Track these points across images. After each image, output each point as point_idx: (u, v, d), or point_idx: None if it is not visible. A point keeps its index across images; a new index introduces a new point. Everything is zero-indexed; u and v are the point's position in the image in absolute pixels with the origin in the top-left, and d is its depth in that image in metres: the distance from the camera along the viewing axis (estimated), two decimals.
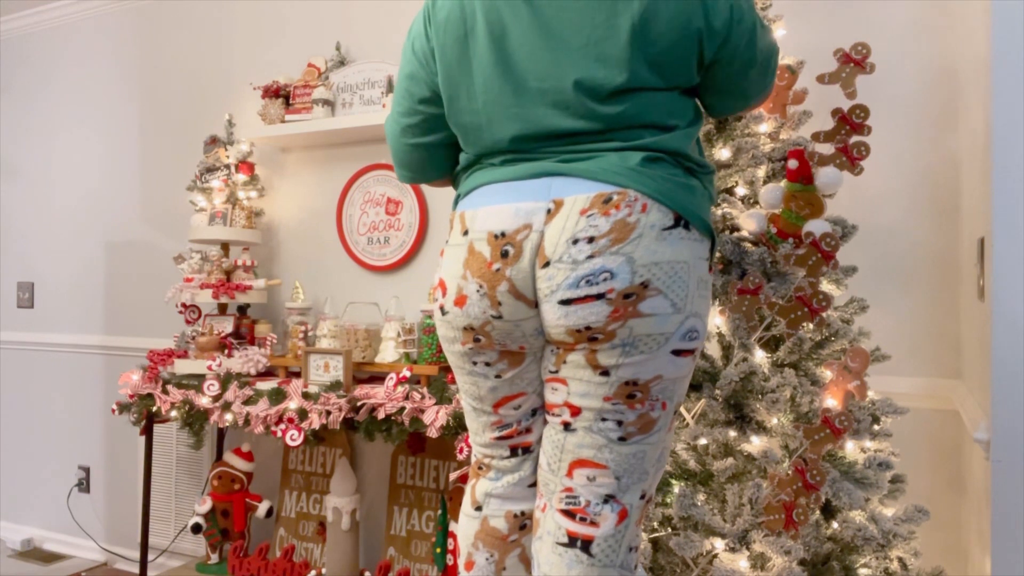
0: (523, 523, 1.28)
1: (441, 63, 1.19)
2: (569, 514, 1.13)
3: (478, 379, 1.23)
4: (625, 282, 1.02)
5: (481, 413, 1.26)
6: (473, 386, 1.24)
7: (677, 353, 1.08)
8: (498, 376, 1.21)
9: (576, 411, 1.12)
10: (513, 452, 1.27)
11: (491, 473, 1.31)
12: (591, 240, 1.03)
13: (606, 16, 1.06)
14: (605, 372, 1.08)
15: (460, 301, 1.15)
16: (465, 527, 1.31)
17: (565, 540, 1.13)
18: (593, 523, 1.12)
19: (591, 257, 1.03)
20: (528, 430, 1.26)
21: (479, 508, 1.30)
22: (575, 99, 1.08)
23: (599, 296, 1.03)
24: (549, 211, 1.07)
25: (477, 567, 1.28)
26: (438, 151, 1.30)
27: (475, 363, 1.21)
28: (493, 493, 1.28)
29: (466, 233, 1.14)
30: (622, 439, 1.10)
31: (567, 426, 1.14)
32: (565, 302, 1.05)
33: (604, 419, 1.10)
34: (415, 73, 1.25)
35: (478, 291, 1.12)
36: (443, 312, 1.19)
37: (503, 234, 1.09)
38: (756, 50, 1.16)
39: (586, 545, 1.11)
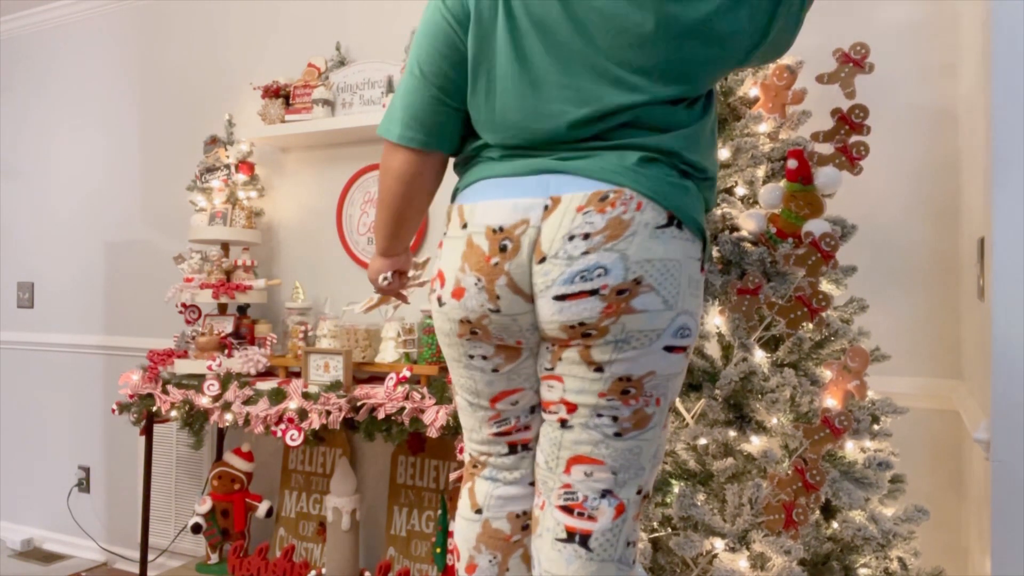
0: (525, 523, 1.28)
1: (474, 37, 1.14)
2: (567, 510, 1.14)
3: (474, 373, 1.23)
4: (619, 278, 1.04)
5: (478, 408, 1.27)
6: (469, 380, 1.25)
7: (669, 349, 1.09)
8: (495, 370, 1.21)
9: (572, 408, 1.13)
10: (512, 449, 1.28)
11: (487, 471, 1.31)
12: (587, 236, 1.04)
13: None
14: (599, 368, 1.09)
15: (458, 293, 1.15)
16: (464, 530, 1.31)
17: (564, 535, 1.14)
18: (591, 517, 1.13)
19: (586, 253, 1.04)
20: (527, 427, 1.27)
21: (479, 511, 1.30)
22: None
23: (593, 292, 1.04)
24: (547, 207, 1.08)
25: (480, 570, 1.28)
26: (458, 119, 1.22)
27: (471, 356, 1.21)
28: (494, 495, 1.29)
29: (465, 226, 1.15)
30: (618, 435, 1.12)
31: (564, 423, 1.15)
32: (560, 297, 1.07)
33: (600, 415, 1.11)
34: (447, 34, 1.17)
35: (476, 284, 1.13)
36: (440, 303, 1.19)
37: (501, 228, 1.10)
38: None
39: (584, 539, 1.13)
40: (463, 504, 1.33)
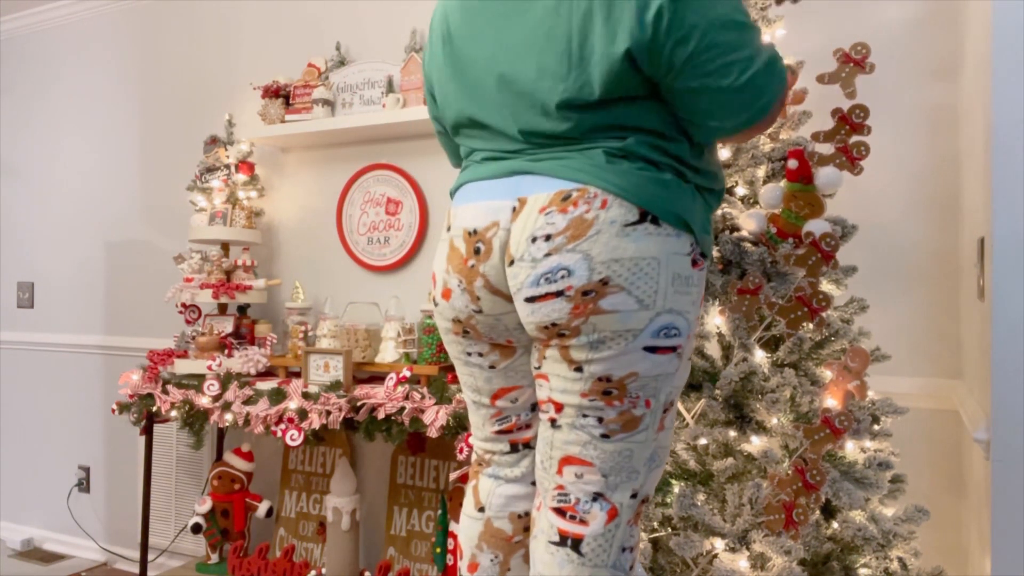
0: (527, 524, 1.28)
1: (431, 64, 1.26)
2: (560, 512, 1.14)
3: (474, 370, 1.25)
4: (583, 279, 1.02)
5: (480, 406, 1.28)
6: (470, 377, 1.27)
7: (652, 350, 1.06)
8: (492, 367, 1.23)
9: (559, 407, 1.12)
10: (513, 448, 1.28)
11: (491, 469, 1.31)
12: (548, 238, 1.04)
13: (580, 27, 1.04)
14: (579, 368, 1.08)
15: (446, 294, 1.19)
16: (467, 528, 1.31)
17: (556, 539, 1.13)
18: (583, 521, 1.11)
19: (548, 255, 1.04)
20: (528, 425, 1.27)
21: (482, 509, 1.30)
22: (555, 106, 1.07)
23: (559, 294, 1.04)
24: (514, 209, 1.09)
25: (481, 568, 1.28)
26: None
27: (469, 354, 1.24)
28: (496, 492, 1.29)
29: (449, 229, 1.19)
30: (605, 436, 1.10)
31: (553, 423, 1.14)
32: (530, 300, 1.07)
33: (585, 415, 1.10)
34: (430, 78, 1.31)
35: (459, 286, 1.16)
36: (435, 304, 1.23)
37: (475, 231, 1.12)
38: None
39: (576, 544, 1.11)
40: (467, 502, 1.33)
